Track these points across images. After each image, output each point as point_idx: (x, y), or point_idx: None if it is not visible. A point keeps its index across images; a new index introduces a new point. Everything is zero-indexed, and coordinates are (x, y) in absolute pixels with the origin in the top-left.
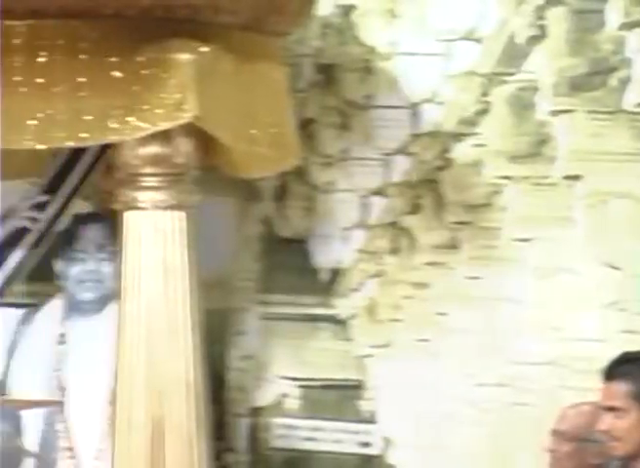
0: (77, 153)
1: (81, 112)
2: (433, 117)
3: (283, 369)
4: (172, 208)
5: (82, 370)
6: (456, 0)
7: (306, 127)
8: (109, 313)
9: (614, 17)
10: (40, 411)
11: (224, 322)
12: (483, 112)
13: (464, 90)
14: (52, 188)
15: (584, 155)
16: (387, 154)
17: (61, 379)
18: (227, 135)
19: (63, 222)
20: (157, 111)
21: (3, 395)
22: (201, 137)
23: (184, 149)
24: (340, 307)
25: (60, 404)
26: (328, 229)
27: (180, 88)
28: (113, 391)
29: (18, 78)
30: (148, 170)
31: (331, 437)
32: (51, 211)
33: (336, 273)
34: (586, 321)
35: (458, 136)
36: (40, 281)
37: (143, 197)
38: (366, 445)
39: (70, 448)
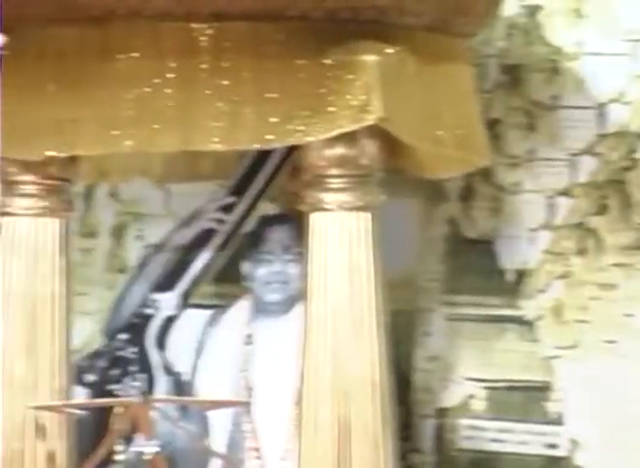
0: (264, 155)
1: (267, 114)
2: (620, 117)
3: (469, 370)
4: (357, 209)
5: (268, 370)
6: None
7: (492, 127)
8: (295, 314)
9: None
10: (227, 412)
11: (410, 322)
12: None
13: None
14: (239, 190)
15: None
16: (574, 155)
17: (248, 380)
18: (412, 136)
19: (250, 224)
20: (343, 113)
21: (190, 395)
22: (386, 139)
23: (370, 151)
24: (527, 308)
25: (246, 404)
26: (514, 230)
27: (366, 89)
28: (299, 392)
29: (202, 79)
30: (334, 171)
31: (517, 438)
32: (238, 212)
33: (522, 274)
34: None
35: None
36: (227, 282)
37: (329, 198)
38: (553, 446)
39: (257, 449)
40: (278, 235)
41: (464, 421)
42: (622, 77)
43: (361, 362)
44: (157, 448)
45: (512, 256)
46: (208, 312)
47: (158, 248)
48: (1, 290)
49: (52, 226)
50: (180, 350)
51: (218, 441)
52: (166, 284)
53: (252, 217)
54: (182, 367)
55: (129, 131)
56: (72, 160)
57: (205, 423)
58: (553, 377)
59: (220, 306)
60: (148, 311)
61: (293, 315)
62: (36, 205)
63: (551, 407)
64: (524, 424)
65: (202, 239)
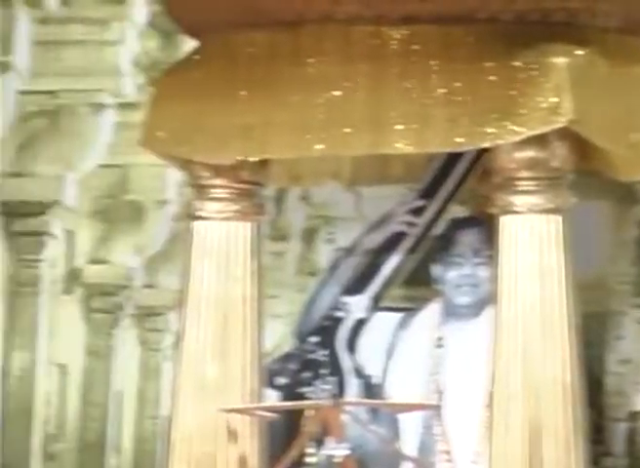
0: (453, 158)
1: (457, 117)
2: None
3: None
4: (548, 211)
5: (459, 373)
6: None
7: None
8: (486, 317)
9: None
10: (418, 415)
11: (602, 325)
12: None
13: None
14: (429, 193)
15: None
16: None
17: (439, 383)
18: (604, 138)
19: (440, 227)
20: (533, 115)
21: (381, 398)
22: (576, 141)
23: (560, 153)
24: None
25: (437, 407)
26: None
27: (556, 92)
28: (490, 394)
29: (392, 83)
30: (524, 174)
31: None
32: (428, 215)
33: None
34: None
35: None
36: (417, 285)
37: (520, 201)
38: None
39: (448, 452)
40: (468, 238)
41: None
42: None
43: (552, 364)
44: (348, 451)
45: None
46: (398, 315)
47: (349, 251)
48: (193, 293)
49: (243, 230)
50: (370, 353)
51: (408, 444)
52: (356, 287)
53: (442, 220)
54: (373, 370)
55: (320, 134)
56: (263, 164)
57: (395, 426)
58: None
59: (410, 309)
60: (339, 314)
61: (483, 318)
62: (227, 209)
63: None
64: None
65: (392, 242)
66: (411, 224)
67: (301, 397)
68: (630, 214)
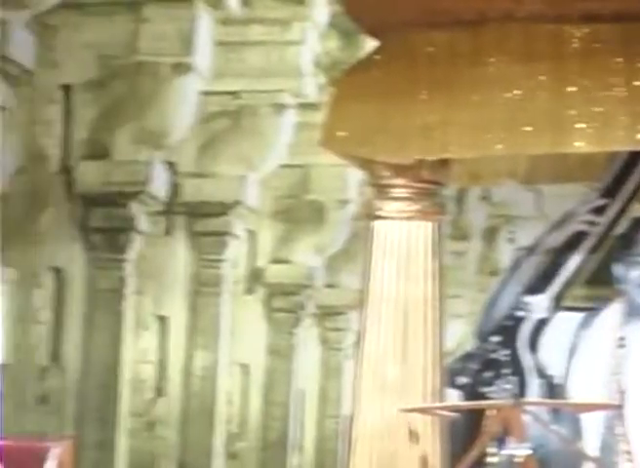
0: (635, 156)
1: (639, 115)
2: None
3: None
4: None
5: None
6: None
7: None
8: None
9: None
10: (599, 415)
11: None
12: None
13: None
14: (610, 192)
15: None
16: None
17: (621, 383)
18: None
19: (622, 226)
20: None
21: (562, 398)
22: None
23: None
24: None
25: (619, 407)
26: None
27: None
28: None
29: (573, 81)
30: None
31: None
32: (610, 214)
33: None
34: None
35: None
36: (599, 285)
37: None
38: None
39: (630, 452)
40: None
41: None
42: None
43: None
44: (529, 451)
45: None
46: (580, 315)
47: (530, 250)
48: (373, 292)
49: (424, 229)
50: (552, 353)
51: (590, 444)
52: (538, 286)
53: (624, 219)
54: (555, 369)
55: (500, 134)
56: (443, 163)
57: (577, 426)
58: None
59: (592, 309)
60: (520, 314)
61: None
62: (408, 208)
63: None
64: None
65: (574, 241)
66: (592, 223)
67: (483, 396)
68: None
